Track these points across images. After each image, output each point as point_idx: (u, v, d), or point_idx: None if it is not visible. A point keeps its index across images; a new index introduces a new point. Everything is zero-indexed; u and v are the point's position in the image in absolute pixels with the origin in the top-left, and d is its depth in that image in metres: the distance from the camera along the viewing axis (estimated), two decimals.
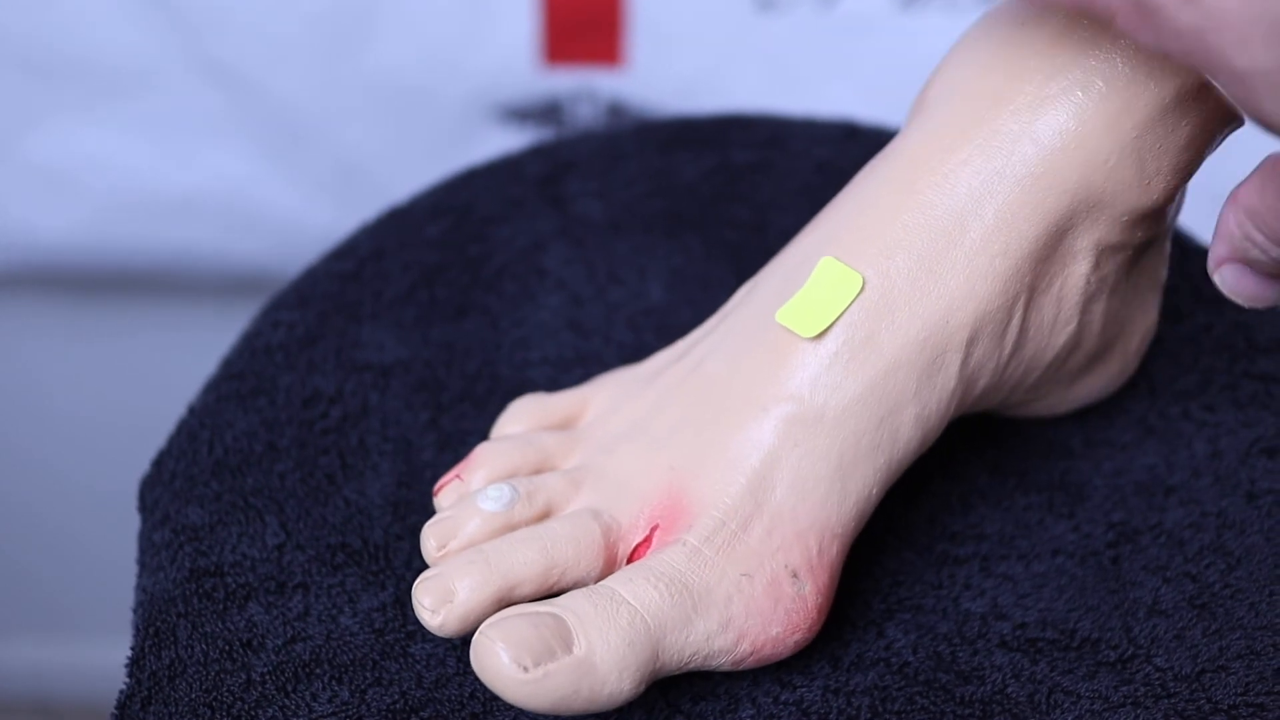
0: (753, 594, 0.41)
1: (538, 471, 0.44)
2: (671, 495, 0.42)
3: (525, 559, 0.41)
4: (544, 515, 0.43)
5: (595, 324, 0.53)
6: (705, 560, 0.41)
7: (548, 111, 0.79)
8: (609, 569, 0.42)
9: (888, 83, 0.75)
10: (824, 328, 0.42)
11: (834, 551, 0.42)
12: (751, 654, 0.41)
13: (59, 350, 0.96)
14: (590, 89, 0.78)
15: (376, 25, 0.76)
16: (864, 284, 0.42)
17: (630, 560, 0.42)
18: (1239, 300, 0.38)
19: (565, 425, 0.46)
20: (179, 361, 0.86)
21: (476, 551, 0.41)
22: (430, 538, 0.42)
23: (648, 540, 0.42)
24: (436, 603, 0.40)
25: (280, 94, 0.79)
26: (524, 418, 0.47)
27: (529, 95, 0.78)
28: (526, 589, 0.41)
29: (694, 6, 0.76)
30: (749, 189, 0.58)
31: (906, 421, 0.42)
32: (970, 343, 0.42)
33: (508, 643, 0.38)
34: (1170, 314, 0.52)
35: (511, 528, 0.42)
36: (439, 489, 0.45)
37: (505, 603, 0.40)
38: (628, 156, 0.59)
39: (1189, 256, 0.54)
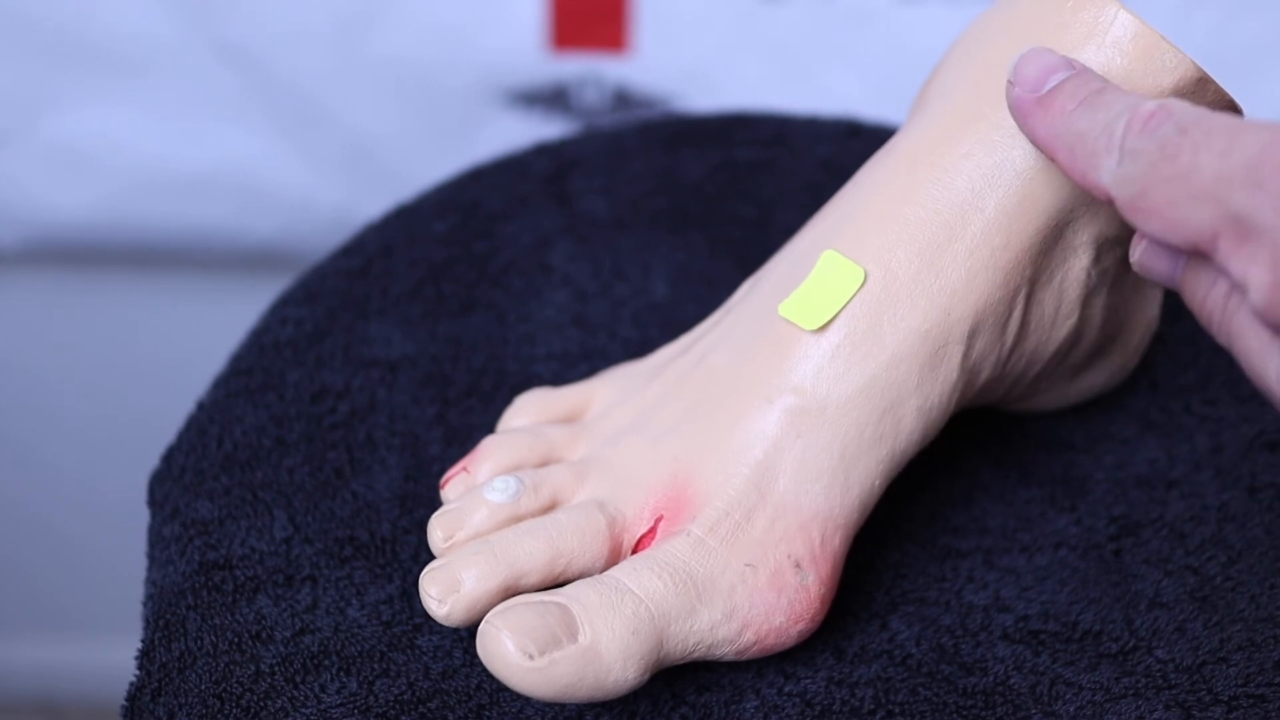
0: (756, 584, 0.41)
1: (543, 464, 0.44)
2: (676, 486, 0.42)
3: (531, 549, 0.41)
4: (550, 507, 0.43)
5: (600, 319, 0.53)
6: (709, 550, 0.41)
7: (554, 96, 0.79)
8: (614, 560, 0.42)
9: (891, 72, 0.76)
10: (826, 320, 0.42)
11: (837, 542, 0.43)
12: (755, 644, 0.41)
13: (74, 325, 0.97)
14: (597, 75, 0.78)
15: (387, 9, 0.77)
16: (866, 277, 0.42)
17: (635, 551, 0.42)
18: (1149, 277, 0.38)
19: (570, 419, 0.47)
20: (192, 335, 0.87)
21: (483, 542, 0.41)
22: (437, 529, 0.42)
23: (652, 531, 0.42)
24: (443, 592, 0.40)
25: (293, 75, 0.80)
26: (530, 411, 0.47)
27: (536, 80, 0.79)
28: (532, 579, 0.41)
29: None
30: (753, 186, 0.58)
31: (909, 414, 0.42)
32: (972, 335, 0.43)
33: (513, 631, 0.38)
34: (1171, 311, 0.52)
35: (517, 519, 0.42)
36: (445, 482, 0.45)
37: (511, 592, 0.41)
38: (632, 154, 0.59)
39: None
